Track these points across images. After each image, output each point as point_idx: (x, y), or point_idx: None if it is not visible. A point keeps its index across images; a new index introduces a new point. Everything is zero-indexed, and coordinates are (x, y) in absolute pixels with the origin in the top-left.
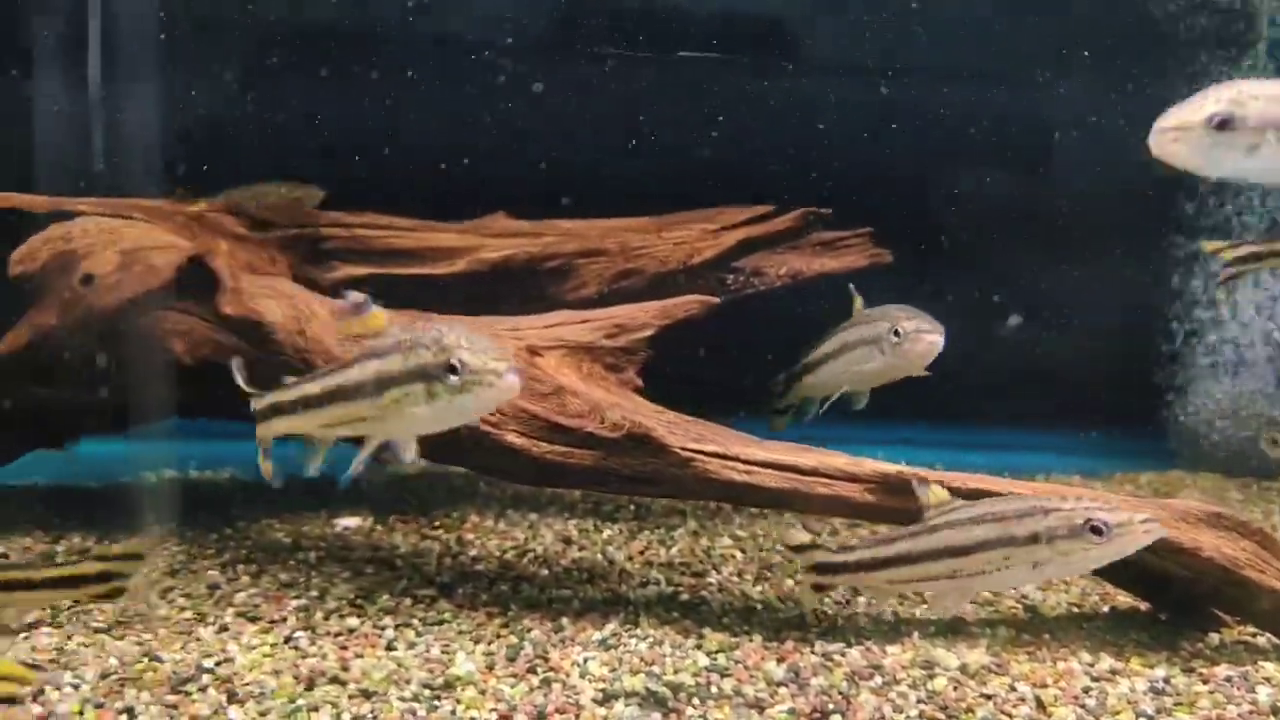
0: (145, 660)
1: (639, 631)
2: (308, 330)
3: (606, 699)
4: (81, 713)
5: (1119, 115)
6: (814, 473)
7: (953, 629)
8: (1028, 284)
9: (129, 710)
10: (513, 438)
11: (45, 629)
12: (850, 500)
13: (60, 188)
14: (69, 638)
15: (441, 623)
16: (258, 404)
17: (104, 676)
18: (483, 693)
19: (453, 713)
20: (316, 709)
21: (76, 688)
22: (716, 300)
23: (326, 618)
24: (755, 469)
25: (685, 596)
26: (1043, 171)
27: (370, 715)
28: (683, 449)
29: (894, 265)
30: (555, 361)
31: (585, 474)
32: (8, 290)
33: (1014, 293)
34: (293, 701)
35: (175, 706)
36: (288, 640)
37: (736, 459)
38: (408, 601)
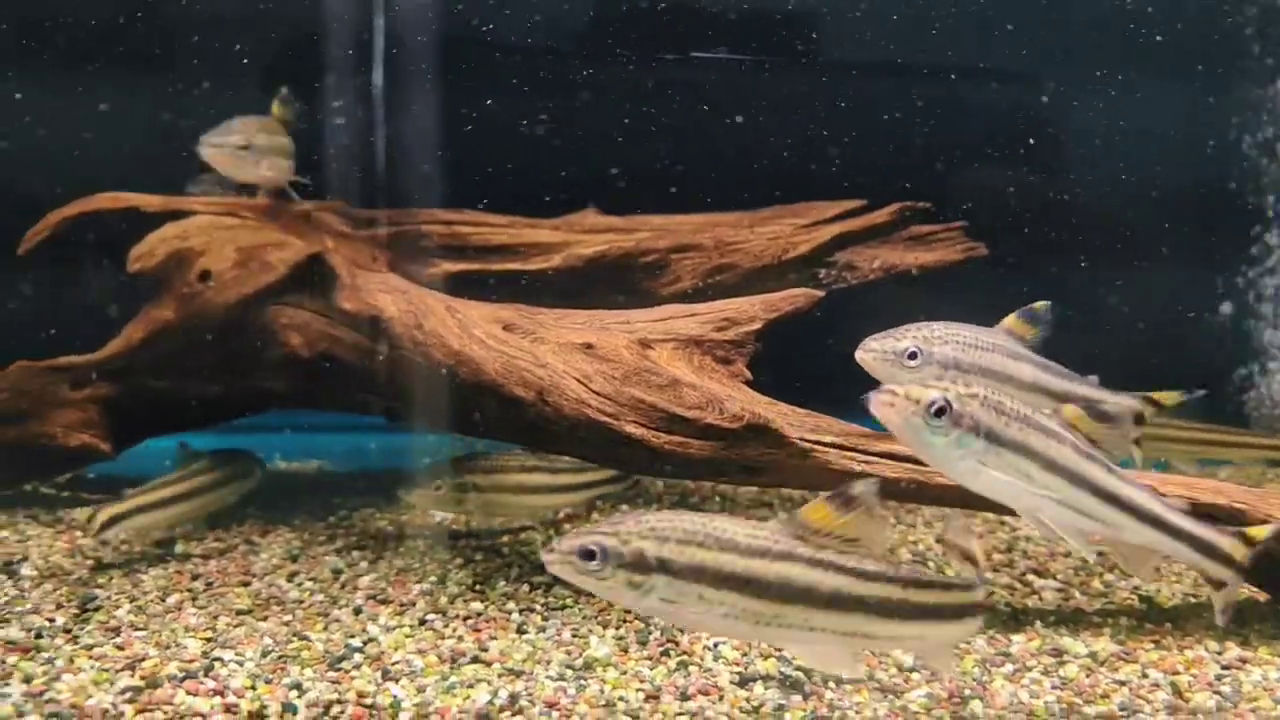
0: (296, 640)
1: None
2: (425, 325)
3: (744, 682)
4: (254, 687)
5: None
6: None
7: (1073, 619)
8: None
9: (296, 685)
10: (631, 428)
11: (191, 609)
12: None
13: (350, 196)
14: (215, 618)
15: (564, 608)
16: None
17: (264, 655)
18: (623, 674)
19: (600, 692)
20: (471, 685)
21: (240, 664)
22: (821, 294)
23: (451, 602)
24: (874, 459)
25: None
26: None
27: (524, 692)
28: (802, 440)
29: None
30: (667, 355)
31: (704, 464)
32: (120, 287)
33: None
34: (445, 679)
35: (338, 682)
36: (422, 622)
37: (855, 449)
38: (525, 588)
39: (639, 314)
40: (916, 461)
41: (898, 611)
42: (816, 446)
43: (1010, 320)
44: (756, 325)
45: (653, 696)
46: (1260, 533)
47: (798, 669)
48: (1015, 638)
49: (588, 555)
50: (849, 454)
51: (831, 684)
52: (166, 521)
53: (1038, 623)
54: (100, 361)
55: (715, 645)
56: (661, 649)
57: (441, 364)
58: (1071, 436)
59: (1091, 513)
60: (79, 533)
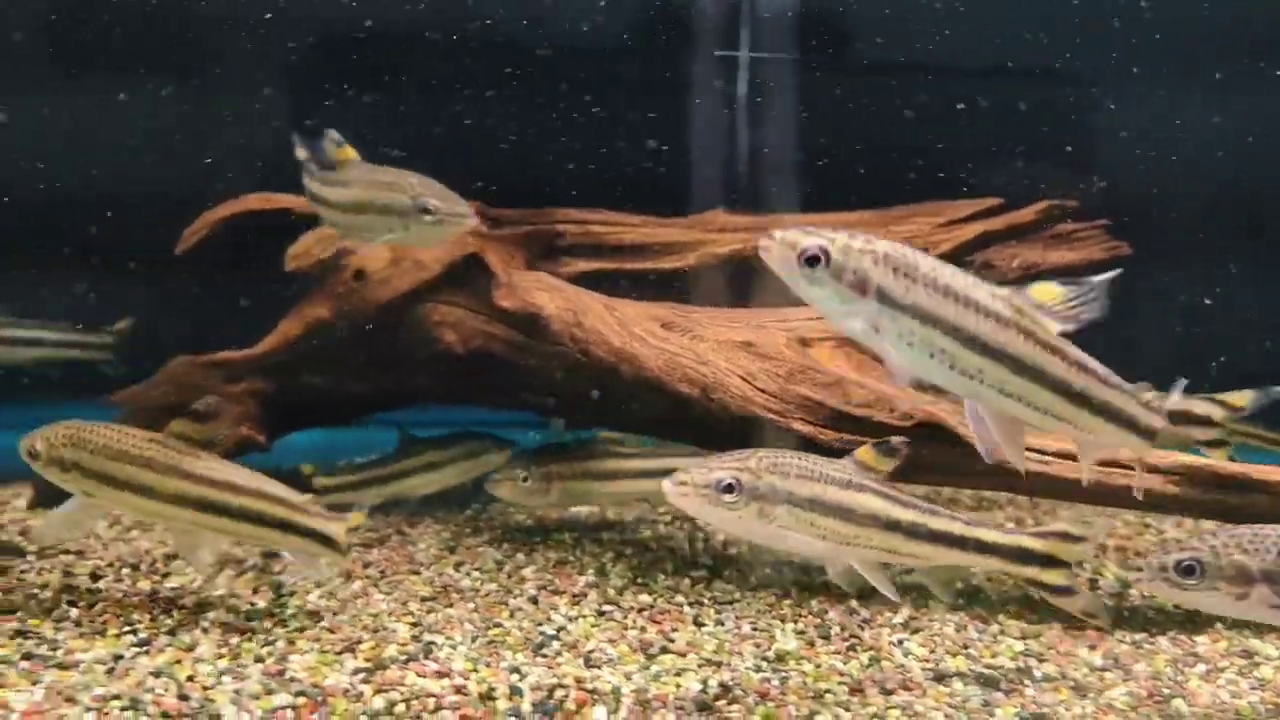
0: (493, 626)
1: (936, 616)
2: (584, 322)
3: (940, 678)
4: (476, 669)
5: None
6: (1113, 464)
7: (1256, 625)
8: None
9: (515, 669)
10: (799, 425)
11: (377, 595)
12: (1151, 492)
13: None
14: (404, 604)
15: (733, 601)
16: None
17: (472, 640)
18: (818, 667)
19: (804, 684)
20: (678, 674)
21: (454, 648)
22: None
23: (619, 593)
24: (1052, 459)
25: (959, 585)
26: None
27: (732, 681)
28: None
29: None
30: (827, 352)
31: None
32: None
33: None
34: (646, 667)
35: (548, 667)
36: (601, 613)
37: (1033, 449)
38: (686, 581)
39: (795, 311)
40: (1096, 462)
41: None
42: None
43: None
44: None
45: (856, 690)
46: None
47: (988, 666)
48: (1199, 639)
49: (727, 489)
50: (1027, 453)
51: (1026, 681)
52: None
53: (1218, 624)
54: (256, 357)
55: (901, 641)
56: (847, 644)
57: (602, 361)
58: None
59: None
60: None
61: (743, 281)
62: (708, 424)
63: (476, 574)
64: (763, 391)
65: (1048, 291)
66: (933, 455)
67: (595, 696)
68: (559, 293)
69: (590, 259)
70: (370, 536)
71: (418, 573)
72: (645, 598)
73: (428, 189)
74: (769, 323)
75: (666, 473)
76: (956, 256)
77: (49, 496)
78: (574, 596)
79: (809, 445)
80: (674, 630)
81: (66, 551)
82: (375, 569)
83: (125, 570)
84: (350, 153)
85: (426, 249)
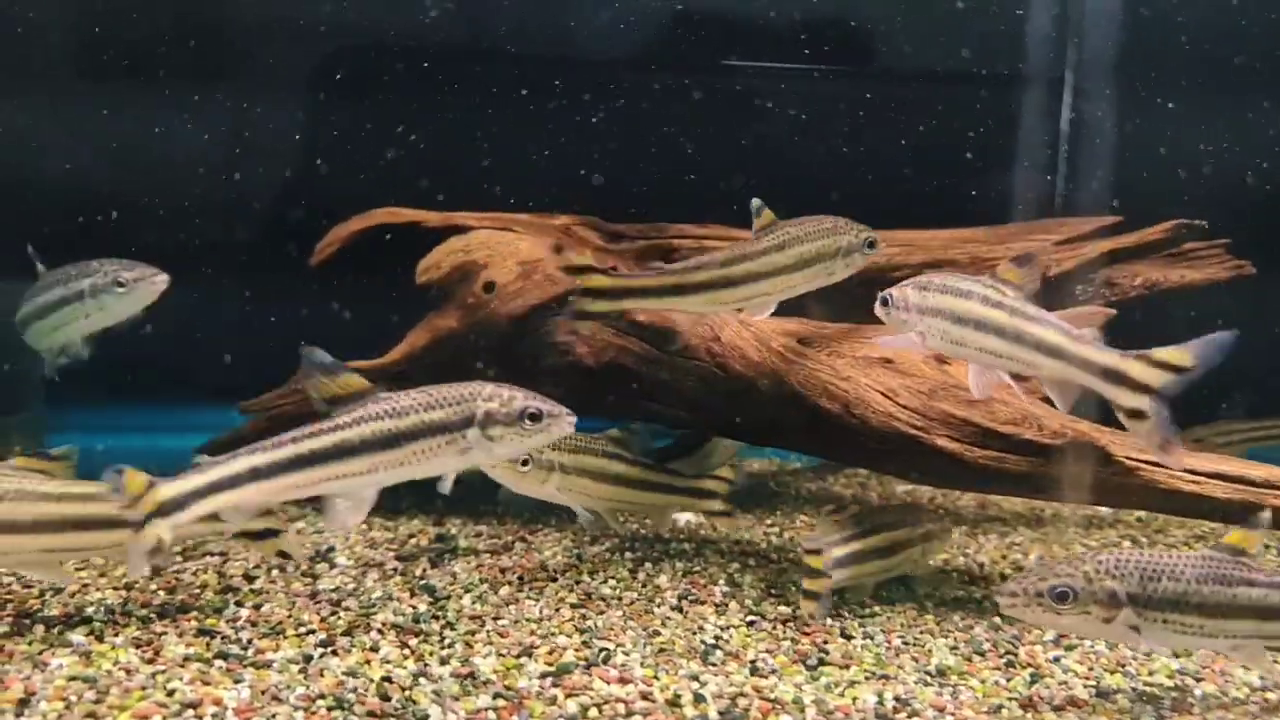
0: (657, 635)
1: None
2: (722, 336)
3: (1104, 694)
4: (657, 677)
5: None
6: (1266, 485)
7: None
8: None
9: (694, 677)
10: (943, 442)
11: (527, 600)
12: None
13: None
14: (556, 609)
15: (873, 615)
16: None
17: (640, 646)
18: (983, 682)
19: (976, 699)
20: (850, 685)
21: (626, 654)
22: (1114, 313)
23: (758, 604)
24: (1203, 479)
25: None
26: None
27: (905, 695)
28: (1128, 458)
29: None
30: (965, 370)
31: (1021, 480)
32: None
33: None
34: (815, 679)
35: (718, 675)
36: (750, 624)
37: (1183, 470)
38: None
39: None
40: (1247, 482)
41: None
42: (1143, 465)
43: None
44: None
45: (1027, 705)
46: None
47: (1147, 684)
48: None
49: (1061, 598)
50: (1177, 474)
51: (1191, 700)
52: None
53: None
54: (384, 366)
55: (1058, 659)
56: (1004, 659)
57: (740, 375)
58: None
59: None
60: (365, 524)
61: (861, 298)
62: (846, 440)
63: (613, 582)
64: (905, 408)
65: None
66: (1079, 474)
67: (778, 706)
68: None
69: None
70: (495, 544)
71: (555, 579)
72: (784, 609)
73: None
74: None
75: (668, 487)
76: (1079, 273)
77: None
78: (716, 606)
79: (954, 462)
80: (825, 642)
81: (210, 553)
82: (512, 574)
83: (274, 571)
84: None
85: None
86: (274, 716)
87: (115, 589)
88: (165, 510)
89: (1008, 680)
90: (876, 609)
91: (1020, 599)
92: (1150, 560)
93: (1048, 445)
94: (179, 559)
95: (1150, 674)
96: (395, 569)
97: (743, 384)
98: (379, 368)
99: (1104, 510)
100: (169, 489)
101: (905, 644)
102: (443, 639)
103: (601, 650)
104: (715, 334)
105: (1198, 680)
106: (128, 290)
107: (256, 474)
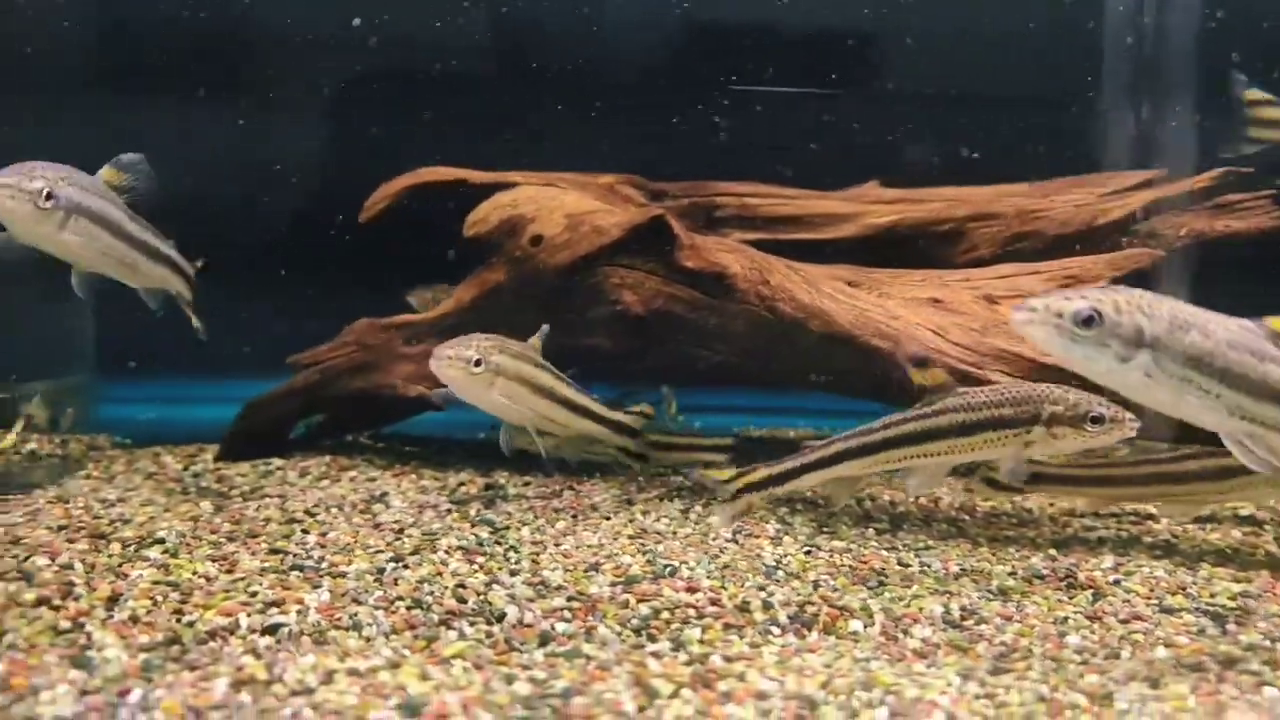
0: (717, 558)
1: (1143, 562)
2: (771, 280)
3: (1166, 610)
4: (724, 586)
5: None
6: None
7: None
8: None
9: (761, 588)
10: (996, 377)
11: (584, 531)
12: None
13: None
14: (614, 538)
15: (927, 548)
16: None
17: (707, 564)
18: (1046, 598)
19: (1043, 611)
20: (915, 598)
21: (691, 570)
22: (1163, 254)
23: (811, 539)
24: None
25: (1149, 538)
26: None
27: (970, 606)
28: None
29: None
30: None
31: None
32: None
33: None
34: (878, 594)
35: (791, 587)
36: (807, 552)
37: None
38: (870, 531)
39: (977, 272)
40: None
41: None
42: None
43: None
44: (1102, 283)
45: (1093, 618)
46: None
47: (1209, 604)
48: None
49: (1086, 321)
50: None
51: (1257, 617)
52: None
53: None
54: (434, 319)
55: (1117, 581)
56: (1063, 582)
57: (790, 317)
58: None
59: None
60: (414, 475)
61: (904, 252)
62: (898, 378)
63: (666, 520)
64: (956, 344)
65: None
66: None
67: (846, 612)
68: (742, 253)
69: (749, 230)
70: (544, 491)
71: (608, 518)
72: (839, 543)
73: None
74: (952, 281)
75: (587, 412)
76: (1125, 224)
77: (235, 450)
78: (771, 539)
79: None
80: (883, 568)
81: (267, 495)
82: (566, 513)
83: (333, 509)
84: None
85: (608, 216)
86: (355, 614)
87: (182, 520)
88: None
89: (1070, 598)
90: (930, 542)
91: (1038, 315)
92: (1184, 309)
93: None
94: (240, 500)
95: (1212, 596)
96: (450, 509)
97: (792, 326)
98: (428, 320)
99: None
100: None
101: (963, 570)
102: (507, 558)
103: (666, 566)
104: (764, 277)
105: (1258, 599)
106: None
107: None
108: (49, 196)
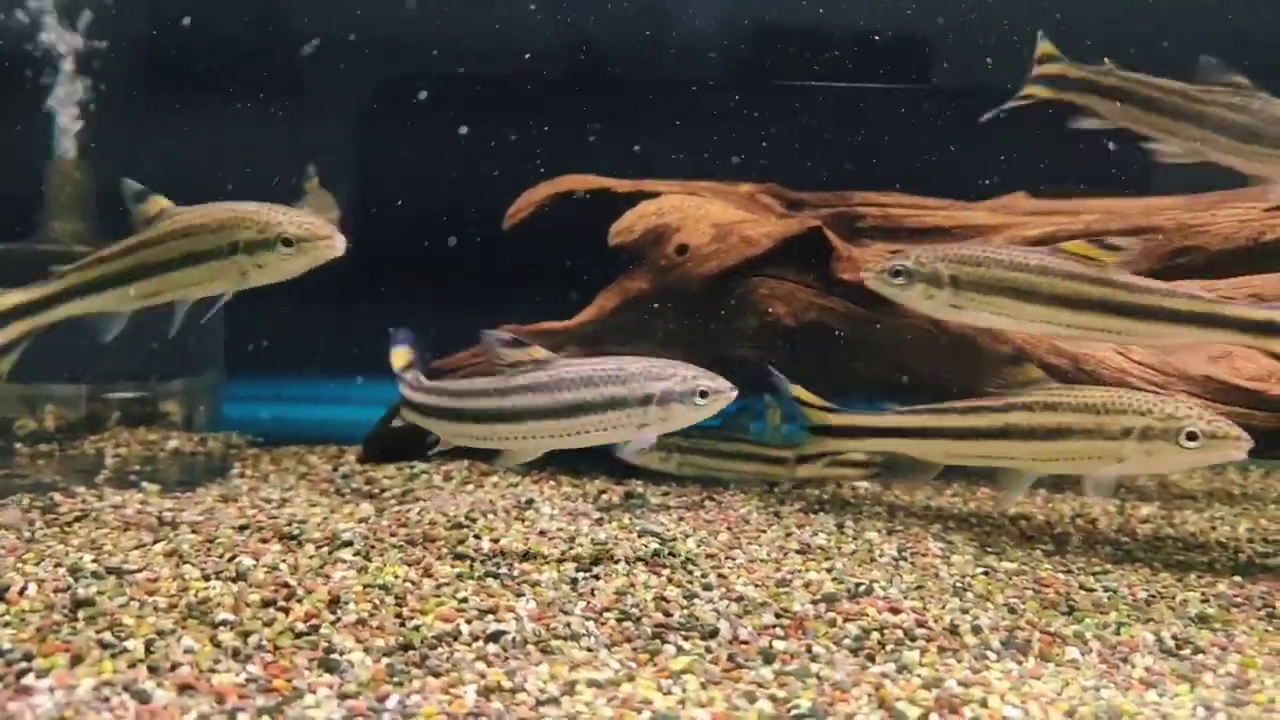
0: (894, 576)
1: None
2: None
3: None
4: (926, 607)
5: None
6: None
7: None
8: None
9: (963, 610)
10: (1182, 399)
11: (751, 544)
12: None
13: None
14: (784, 553)
15: (1105, 572)
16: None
17: (897, 582)
18: (1252, 629)
19: (1258, 642)
20: (1121, 626)
21: (884, 589)
22: None
23: (979, 559)
24: None
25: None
26: None
27: (1181, 634)
28: None
29: None
30: None
31: (1269, 437)
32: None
33: None
34: (1078, 622)
35: (989, 611)
36: (986, 573)
37: None
38: (1037, 553)
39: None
40: None
41: None
42: None
43: None
44: None
45: None
46: None
47: None
48: None
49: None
50: None
51: None
52: None
53: None
54: (573, 327)
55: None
56: (1262, 612)
57: (957, 332)
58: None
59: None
60: (553, 481)
61: None
62: None
63: (824, 535)
64: (1139, 364)
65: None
66: None
67: (1059, 639)
68: None
69: (890, 241)
70: (686, 501)
71: (764, 531)
72: (1009, 564)
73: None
74: None
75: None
76: None
77: (378, 452)
78: (939, 558)
79: None
80: (1066, 592)
81: (419, 498)
82: (720, 525)
83: (488, 515)
84: None
85: (756, 226)
86: (568, 624)
87: (354, 522)
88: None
89: (1277, 629)
90: (1107, 566)
91: (872, 276)
92: (974, 250)
93: None
94: (395, 502)
95: None
96: (602, 518)
97: (959, 341)
98: (569, 329)
99: None
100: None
101: (1153, 596)
102: (689, 572)
103: (858, 584)
104: None
105: None
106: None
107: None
108: None
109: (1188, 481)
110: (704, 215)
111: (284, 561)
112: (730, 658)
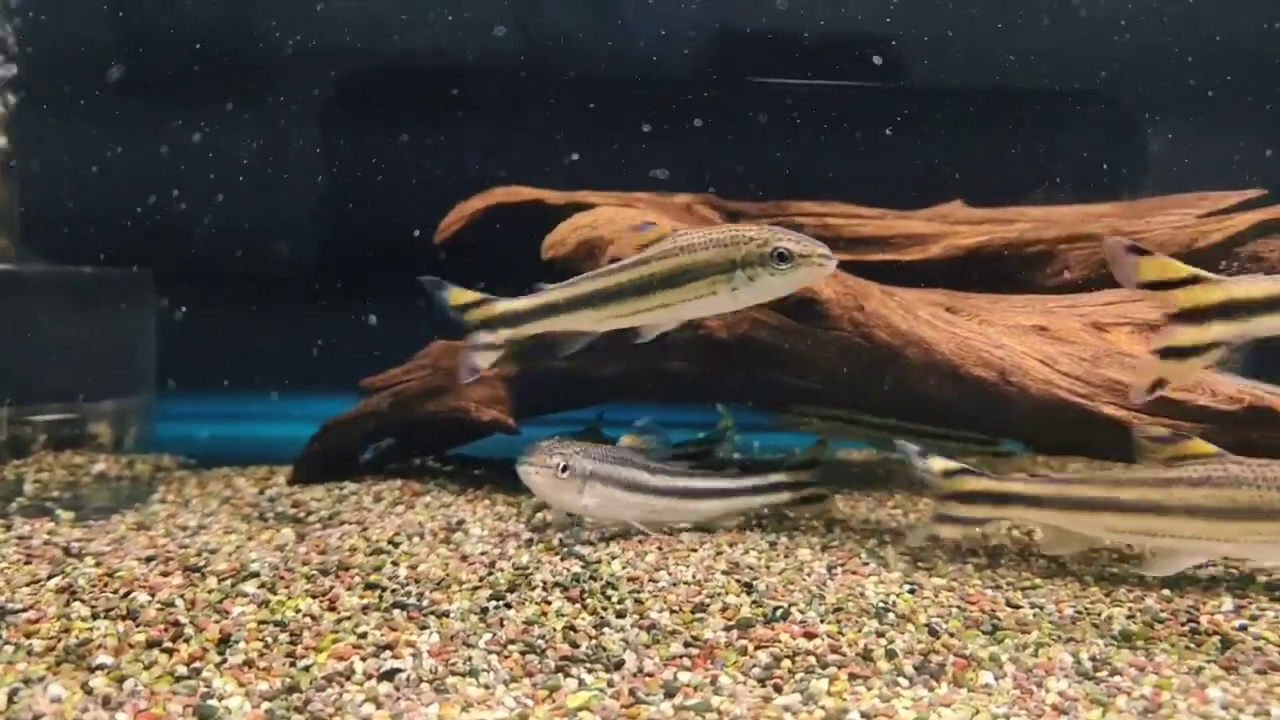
0: (817, 597)
1: (1264, 605)
2: (866, 306)
3: None
4: (841, 631)
5: None
6: None
7: None
8: None
9: (879, 634)
10: (1110, 410)
11: (678, 566)
12: None
13: None
14: (710, 574)
15: (1034, 587)
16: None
17: (818, 603)
18: (1174, 646)
19: (1175, 660)
20: (1040, 646)
21: (802, 612)
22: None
23: (908, 575)
24: None
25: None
26: None
27: (1100, 655)
28: None
29: None
30: (1124, 338)
31: None
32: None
33: None
34: (999, 641)
35: (908, 633)
36: (911, 591)
37: None
38: (969, 567)
39: (1084, 298)
40: None
41: None
42: None
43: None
44: None
45: (1228, 668)
46: None
47: None
48: None
49: (563, 469)
50: None
51: None
52: None
53: None
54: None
55: (1244, 626)
56: (1186, 627)
57: (887, 345)
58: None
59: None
60: (487, 500)
61: (989, 274)
62: (1001, 410)
63: (755, 553)
64: (1066, 375)
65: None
66: (1261, 439)
67: (974, 662)
68: (836, 278)
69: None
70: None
71: (695, 550)
72: (938, 580)
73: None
74: (1057, 308)
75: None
76: (1228, 247)
77: (307, 473)
78: (869, 575)
79: (1123, 432)
80: (993, 610)
81: (345, 522)
82: (652, 545)
83: (414, 538)
84: None
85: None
86: (470, 658)
87: (268, 550)
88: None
89: (1198, 646)
90: (1036, 580)
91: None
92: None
93: (1223, 411)
94: (320, 526)
95: None
96: (531, 539)
97: (889, 354)
98: (506, 343)
99: None
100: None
101: (1079, 613)
102: (608, 596)
103: (776, 608)
104: (859, 303)
105: None
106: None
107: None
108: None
109: None
110: (637, 228)
111: (182, 596)
112: (632, 692)
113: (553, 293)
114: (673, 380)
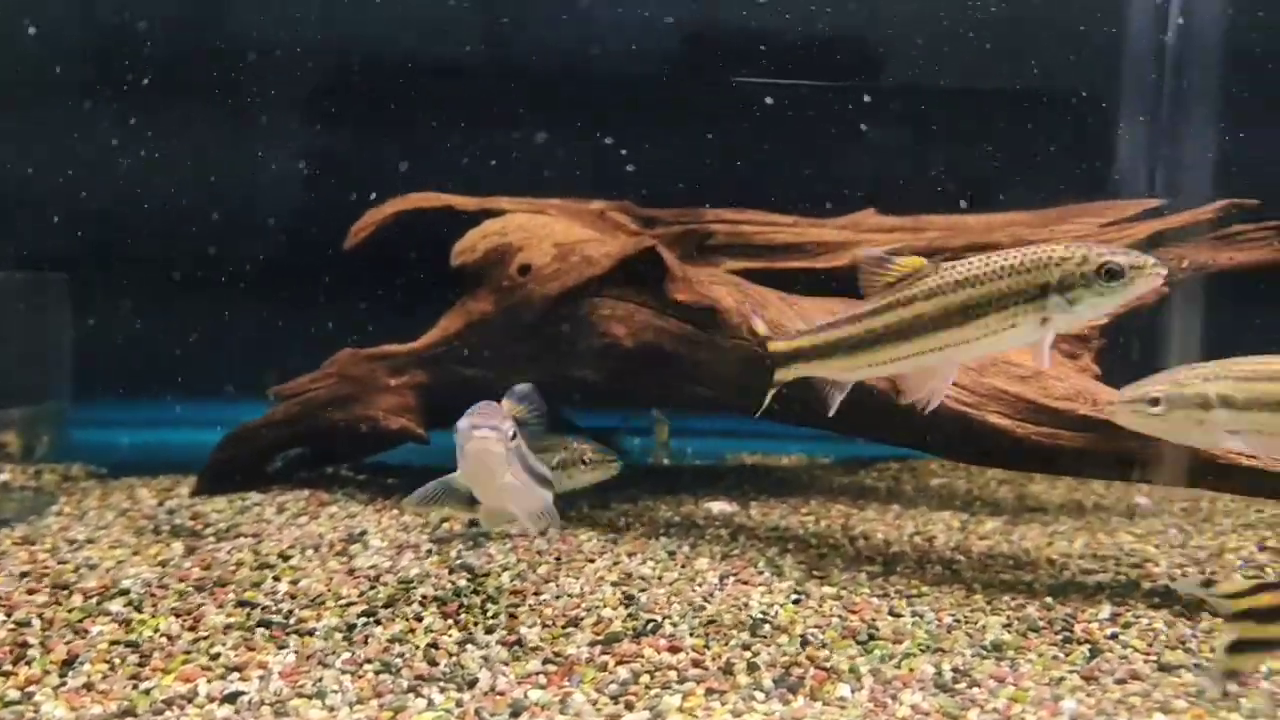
0: (699, 610)
1: (1141, 612)
2: (764, 314)
3: (1165, 669)
4: (707, 645)
5: None
6: None
7: None
8: None
9: (746, 647)
10: (994, 418)
11: (566, 579)
12: None
13: None
14: (597, 586)
15: (920, 595)
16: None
17: (691, 617)
18: (1041, 656)
19: (1038, 671)
20: (906, 657)
21: (675, 625)
22: (1167, 290)
23: (800, 584)
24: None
25: (1149, 583)
26: None
27: (963, 666)
28: None
29: None
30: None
31: (1075, 456)
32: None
33: None
34: (869, 652)
35: (777, 646)
36: (795, 601)
37: None
38: (862, 575)
39: None
40: None
41: None
42: None
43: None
44: (1103, 321)
45: (1089, 678)
46: None
47: (1209, 659)
48: None
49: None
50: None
51: (1260, 675)
52: None
53: None
54: (418, 351)
55: (1115, 635)
56: (1060, 636)
57: None
58: None
59: None
60: (394, 510)
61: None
62: (893, 418)
63: (652, 563)
64: (954, 384)
65: None
66: (1140, 450)
67: (834, 674)
68: (735, 287)
69: (741, 258)
70: (528, 529)
71: (593, 560)
72: (828, 589)
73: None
74: None
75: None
76: None
77: (212, 483)
78: (759, 585)
79: (1006, 439)
80: (874, 619)
81: (241, 534)
82: (550, 556)
83: (309, 551)
84: None
85: (599, 245)
86: (320, 679)
87: (150, 565)
88: None
89: (1066, 655)
90: (924, 588)
91: (1120, 408)
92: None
93: (1103, 421)
94: (214, 539)
95: (1212, 650)
96: (430, 550)
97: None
98: (413, 352)
99: (1144, 501)
100: None
101: (957, 621)
102: (485, 610)
103: (649, 622)
104: (757, 311)
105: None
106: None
107: None
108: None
109: (1049, 494)
110: (547, 234)
111: (41, 615)
112: (477, 712)
113: (827, 332)
114: (584, 388)
